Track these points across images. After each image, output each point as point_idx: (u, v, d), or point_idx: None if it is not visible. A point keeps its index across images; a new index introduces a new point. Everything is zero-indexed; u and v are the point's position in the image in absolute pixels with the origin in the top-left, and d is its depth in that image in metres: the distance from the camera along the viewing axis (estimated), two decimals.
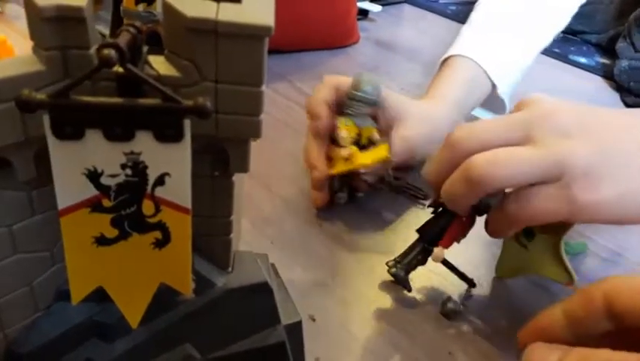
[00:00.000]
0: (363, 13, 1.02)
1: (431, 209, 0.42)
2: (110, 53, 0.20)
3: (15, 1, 0.85)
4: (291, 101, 0.71)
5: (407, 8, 1.16)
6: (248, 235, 0.47)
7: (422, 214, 0.47)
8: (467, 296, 0.41)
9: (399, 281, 0.40)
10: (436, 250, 0.40)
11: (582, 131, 0.36)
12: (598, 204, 0.35)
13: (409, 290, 0.41)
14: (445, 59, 0.65)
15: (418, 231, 0.42)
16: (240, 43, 0.23)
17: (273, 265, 0.38)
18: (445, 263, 0.40)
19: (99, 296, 0.27)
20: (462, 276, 0.40)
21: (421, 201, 0.54)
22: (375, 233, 0.50)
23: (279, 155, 0.59)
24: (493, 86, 0.64)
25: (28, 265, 0.28)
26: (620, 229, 0.53)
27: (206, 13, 0.23)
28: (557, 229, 0.42)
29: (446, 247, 0.40)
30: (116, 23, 0.37)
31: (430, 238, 0.41)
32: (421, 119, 0.54)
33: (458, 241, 0.41)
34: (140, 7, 0.34)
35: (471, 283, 0.40)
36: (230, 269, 0.32)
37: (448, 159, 0.37)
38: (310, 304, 0.41)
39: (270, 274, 0.34)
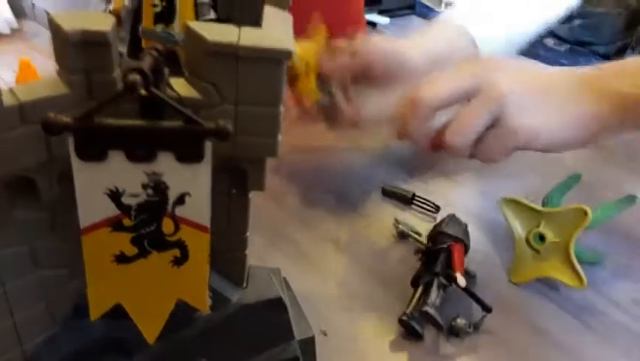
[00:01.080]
0: (372, 26, 1.03)
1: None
2: (136, 77, 0.21)
3: (33, 18, 0.86)
4: None
5: (415, 20, 1.17)
6: (259, 248, 0.48)
7: (430, 226, 0.47)
8: (481, 320, 0.41)
9: (431, 321, 0.40)
10: (459, 277, 0.40)
11: (514, 75, 0.44)
12: (520, 128, 0.43)
13: (442, 329, 0.40)
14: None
15: (414, 280, 0.43)
16: (260, 67, 0.24)
17: (285, 279, 0.38)
18: (466, 290, 0.41)
19: (117, 312, 0.27)
20: (479, 301, 0.41)
21: (431, 213, 0.54)
22: (386, 246, 0.50)
23: (289, 168, 0.60)
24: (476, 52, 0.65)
25: (48, 281, 0.28)
26: (634, 244, 0.54)
27: (227, 38, 0.23)
28: (567, 233, 0.43)
29: (462, 272, 0.41)
30: (134, 43, 0.37)
31: (444, 271, 0.41)
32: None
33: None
34: (159, 28, 0.35)
35: (487, 309, 0.41)
36: (244, 285, 0.32)
37: (410, 114, 0.45)
38: (322, 318, 0.41)
39: (283, 289, 0.35)
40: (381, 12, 1.08)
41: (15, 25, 0.81)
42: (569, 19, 1.10)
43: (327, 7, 0.81)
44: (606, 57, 1.04)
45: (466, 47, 0.65)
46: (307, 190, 0.56)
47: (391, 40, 0.61)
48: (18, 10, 0.84)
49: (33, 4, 0.84)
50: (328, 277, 0.46)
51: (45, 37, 0.81)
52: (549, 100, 0.45)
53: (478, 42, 0.66)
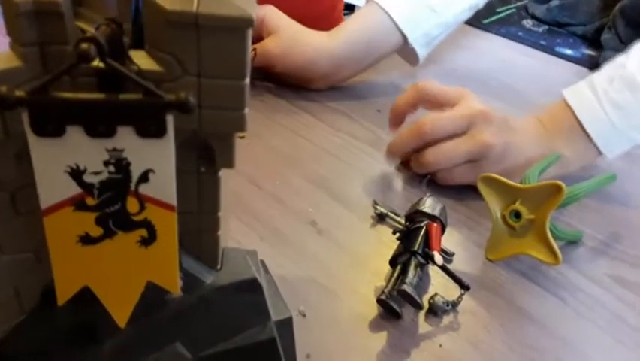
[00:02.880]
0: (350, 8, 1.02)
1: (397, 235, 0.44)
2: (89, 47, 0.20)
3: None
4: (274, 95, 0.70)
5: None
6: (237, 232, 0.47)
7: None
8: (459, 299, 0.41)
9: (409, 300, 0.39)
10: (436, 256, 0.40)
11: (500, 130, 0.54)
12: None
13: (421, 307, 0.40)
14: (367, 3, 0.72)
15: (392, 260, 0.42)
16: (221, 36, 0.23)
17: (262, 261, 0.37)
18: (443, 268, 0.40)
19: (85, 296, 0.27)
20: (457, 280, 0.40)
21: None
22: (364, 228, 0.50)
23: (266, 151, 0.59)
24: (404, 36, 0.69)
25: (13, 266, 0.27)
26: (611, 222, 0.54)
27: (186, 6, 0.22)
28: (543, 209, 0.43)
29: (439, 250, 0.41)
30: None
31: (422, 250, 0.41)
32: (288, 37, 0.66)
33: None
34: None
35: (465, 287, 0.40)
36: (218, 267, 0.32)
37: (415, 138, 0.55)
38: (301, 299, 0.41)
39: (259, 271, 0.34)
40: None
41: None
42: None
43: None
44: (584, 38, 1.04)
45: (384, 35, 0.70)
46: (285, 173, 0.56)
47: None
48: None
49: None
50: (307, 259, 0.45)
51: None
52: (520, 148, 0.55)
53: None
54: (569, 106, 0.56)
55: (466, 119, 0.53)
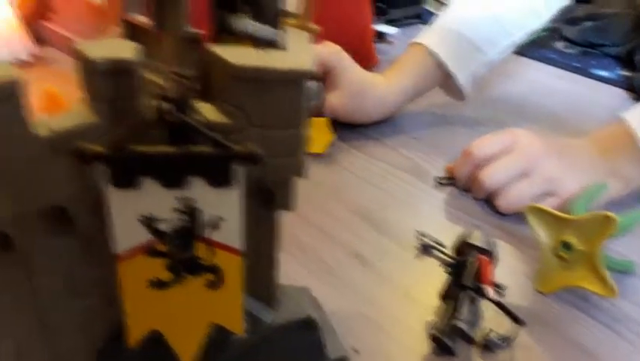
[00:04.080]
0: (381, 36, 1.03)
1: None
2: (167, 106, 0.21)
3: (52, 44, 0.87)
4: None
5: (423, 29, 1.16)
6: (286, 265, 0.47)
7: (452, 236, 0.47)
8: (514, 334, 0.40)
9: (463, 336, 0.39)
10: (489, 290, 0.40)
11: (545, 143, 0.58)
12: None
13: (475, 344, 0.40)
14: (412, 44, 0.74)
15: (443, 294, 0.42)
16: (283, 88, 0.24)
17: (314, 297, 0.38)
18: (497, 303, 0.40)
19: (153, 337, 0.27)
20: (512, 315, 0.40)
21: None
22: (409, 259, 0.50)
23: (307, 182, 0.60)
24: (450, 75, 0.71)
25: (86, 309, 0.28)
26: None
27: (251, 61, 0.23)
28: (594, 241, 0.43)
29: (491, 284, 0.41)
30: None
31: (473, 284, 0.41)
32: (353, 91, 0.68)
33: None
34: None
35: (521, 323, 0.40)
36: (276, 305, 0.32)
37: (465, 162, 0.59)
38: (352, 335, 0.41)
39: (313, 308, 0.34)
40: (388, 22, 1.08)
41: (35, 51, 0.83)
42: (578, 21, 1.09)
43: (336, 19, 0.81)
44: (618, 58, 1.03)
45: (434, 77, 0.73)
46: (327, 203, 0.56)
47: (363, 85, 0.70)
48: (38, 37, 0.85)
49: (52, 31, 0.85)
50: (355, 293, 0.46)
51: (65, 63, 0.82)
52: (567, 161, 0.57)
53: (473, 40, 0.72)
54: (626, 125, 0.57)
55: (509, 134, 0.58)
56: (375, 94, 0.70)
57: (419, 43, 0.72)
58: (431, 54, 0.71)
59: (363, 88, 0.69)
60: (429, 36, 0.73)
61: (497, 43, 0.73)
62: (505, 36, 0.73)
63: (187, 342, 0.27)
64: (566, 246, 0.45)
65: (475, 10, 0.73)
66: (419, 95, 0.74)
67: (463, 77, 0.72)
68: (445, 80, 0.73)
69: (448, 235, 0.51)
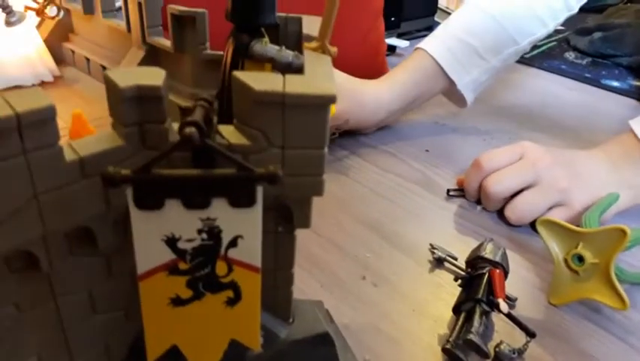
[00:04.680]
0: (392, 49, 1.04)
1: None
2: (192, 131, 0.21)
3: (73, 64, 0.88)
4: None
5: None
6: (298, 279, 0.48)
7: (465, 249, 0.47)
8: (525, 346, 0.41)
9: (476, 349, 0.39)
10: (501, 303, 0.40)
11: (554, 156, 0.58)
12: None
13: (488, 357, 0.40)
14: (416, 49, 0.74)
15: (456, 307, 0.43)
16: (305, 112, 0.25)
17: (327, 311, 0.38)
18: (509, 315, 0.40)
19: (172, 353, 0.28)
20: (523, 327, 0.40)
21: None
22: (421, 272, 0.50)
23: (322, 198, 0.60)
24: (452, 81, 0.72)
25: (105, 325, 0.29)
26: None
27: (273, 86, 0.24)
28: (607, 253, 0.43)
29: (504, 297, 0.41)
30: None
31: (486, 297, 0.41)
32: (350, 96, 0.67)
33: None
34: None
35: (531, 334, 0.40)
36: (291, 320, 0.33)
37: (475, 173, 0.60)
38: (364, 348, 0.41)
39: (327, 322, 0.35)
40: (400, 35, 1.09)
41: (57, 72, 0.84)
42: (588, 31, 1.09)
43: (352, 37, 0.82)
44: (629, 69, 1.03)
45: (434, 82, 0.73)
46: (338, 216, 0.57)
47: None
48: (58, 58, 0.87)
49: (73, 52, 0.86)
50: (367, 306, 0.46)
51: (85, 82, 0.83)
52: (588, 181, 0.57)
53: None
54: (635, 135, 0.57)
55: (519, 147, 0.58)
56: (372, 95, 0.70)
57: (420, 49, 0.73)
58: (430, 59, 0.71)
59: (360, 88, 0.69)
60: (430, 41, 0.73)
61: (500, 50, 0.73)
62: (509, 43, 0.73)
63: (205, 358, 0.28)
64: (579, 258, 0.45)
65: (477, 16, 0.73)
66: (420, 99, 0.74)
67: (463, 82, 0.72)
68: (447, 87, 0.74)
69: (459, 247, 0.51)
